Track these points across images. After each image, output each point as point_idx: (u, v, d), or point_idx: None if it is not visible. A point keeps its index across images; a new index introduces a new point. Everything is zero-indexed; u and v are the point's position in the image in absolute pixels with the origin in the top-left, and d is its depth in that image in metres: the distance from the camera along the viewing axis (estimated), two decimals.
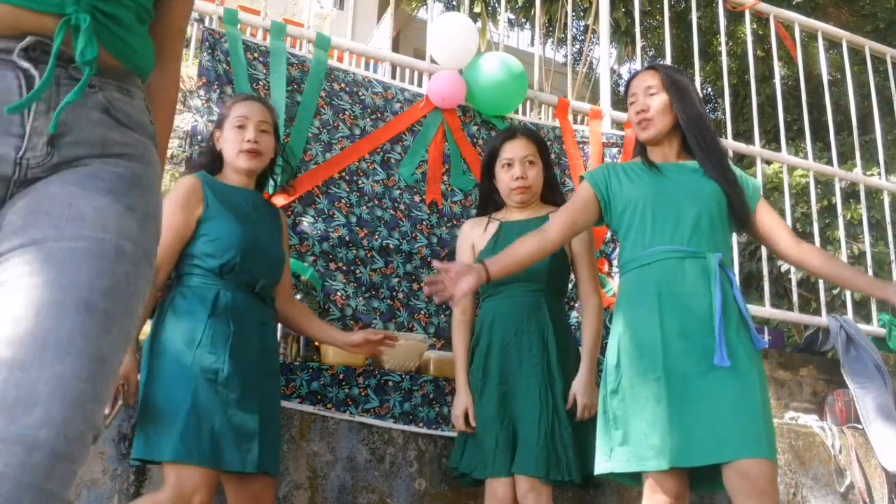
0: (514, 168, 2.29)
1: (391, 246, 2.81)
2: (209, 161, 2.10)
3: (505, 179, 2.32)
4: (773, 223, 2.04)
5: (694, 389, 1.80)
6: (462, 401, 2.21)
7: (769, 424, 1.81)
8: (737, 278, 2.00)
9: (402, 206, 2.92)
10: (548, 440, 2.06)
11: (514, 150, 2.31)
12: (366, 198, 2.86)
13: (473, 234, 2.36)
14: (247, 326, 1.89)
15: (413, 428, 2.43)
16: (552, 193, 2.39)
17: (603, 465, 1.91)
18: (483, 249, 2.30)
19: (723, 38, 4.05)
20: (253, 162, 2.03)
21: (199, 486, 1.73)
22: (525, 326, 2.19)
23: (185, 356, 1.80)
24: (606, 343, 2.10)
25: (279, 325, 2.20)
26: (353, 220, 2.80)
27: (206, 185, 1.98)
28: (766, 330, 3.62)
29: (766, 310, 3.58)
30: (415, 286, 2.85)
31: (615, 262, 2.66)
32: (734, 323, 1.88)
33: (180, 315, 1.87)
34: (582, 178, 2.15)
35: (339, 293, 2.68)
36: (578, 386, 2.16)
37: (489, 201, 2.41)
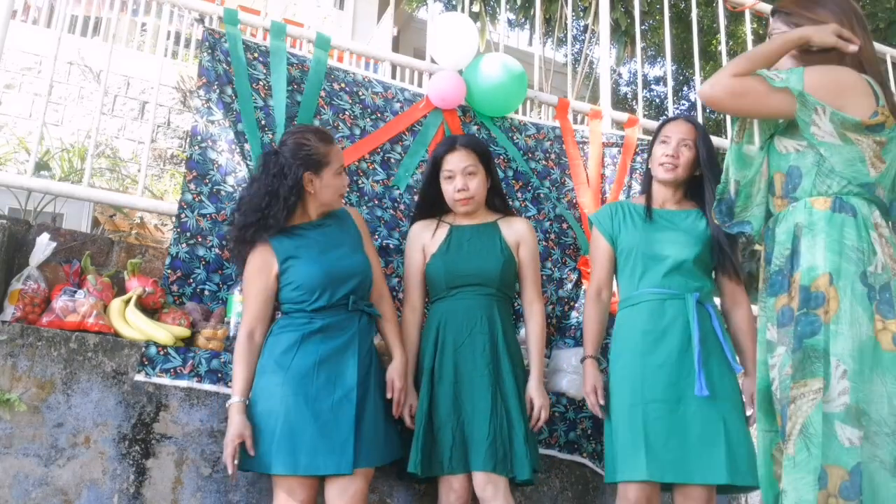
0: (456, 180, 2.37)
1: (391, 246, 2.81)
2: (293, 205, 2.18)
3: (448, 191, 2.40)
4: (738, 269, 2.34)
5: (668, 415, 2.10)
6: (408, 400, 2.23)
7: (740, 447, 2.06)
8: (716, 312, 2.27)
9: (401, 207, 2.92)
10: (496, 436, 2.14)
11: (455, 161, 2.37)
12: (366, 198, 2.86)
13: (424, 237, 2.43)
14: (340, 339, 2.10)
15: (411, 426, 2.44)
16: (499, 200, 2.48)
17: (609, 475, 2.21)
18: (436, 252, 2.38)
19: (723, 38, 4.04)
20: (342, 201, 2.31)
21: (296, 491, 1.97)
22: (479, 328, 2.27)
23: (276, 377, 2.04)
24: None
25: None
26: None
27: (273, 243, 2.15)
28: None
29: None
30: None
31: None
32: (710, 354, 2.16)
33: (275, 341, 2.11)
34: (590, 221, 2.50)
35: None
36: (532, 390, 2.27)
37: (433, 204, 2.47)
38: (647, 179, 2.45)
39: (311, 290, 2.11)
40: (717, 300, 2.38)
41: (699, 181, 2.37)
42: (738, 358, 2.28)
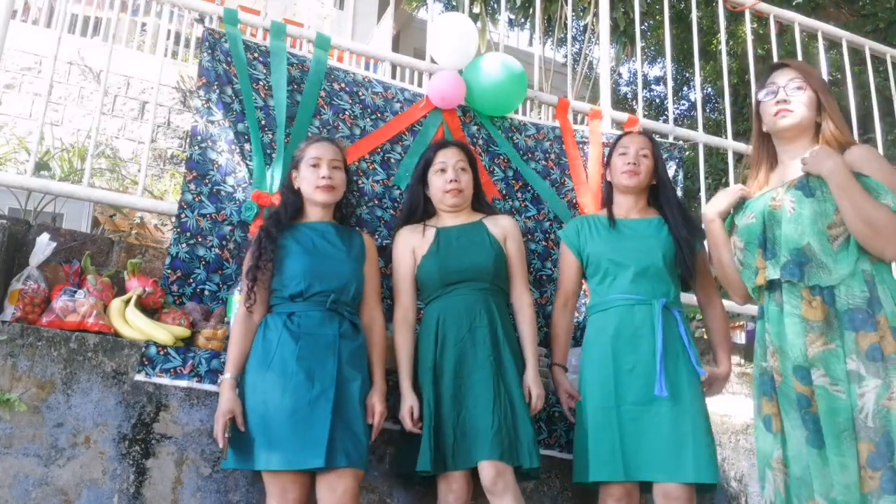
0: (448, 173, 2.45)
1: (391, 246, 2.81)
2: (293, 202, 2.32)
3: (438, 184, 2.46)
4: (704, 270, 2.47)
5: (639, 417, 2.20)
6: (408, 402, 2.24)
7: (700, 447, 2.15)
8: (681, 317, 2.34)
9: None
10: (501, 425, 2.15)
11: (448, 156, 2.48)
12: (366, 198, 2.86)
13: (413, 240, 2.46)
14: (320, 339, 2.12)
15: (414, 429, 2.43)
16: (481, 203, 2.56)
17: (580, 475, 2.27)
18: (425, 254, 2.41)
19: (723, 38, 4.04)
20: (328, 196, 2.29)
21: (288, 489, 1.98)
22: (478, 321, 2.30)
23: (259, 375, 2.07)
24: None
25: None
26: (353, 220, 2.79)
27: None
28: None
29: None
30: None
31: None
32: (678, 357, 2.26)
33: (259, 340, 2.14)
34: (558, 236, 2.62)
35: None
36: (530, 380, 2.30)
37: (417, 209, 2.53)
38: (608, 191, 2.56)
39: (291, 276, 2.17)
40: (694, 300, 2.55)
41: (657, 191, 2.50)
42: (713, 354, 2.48)
